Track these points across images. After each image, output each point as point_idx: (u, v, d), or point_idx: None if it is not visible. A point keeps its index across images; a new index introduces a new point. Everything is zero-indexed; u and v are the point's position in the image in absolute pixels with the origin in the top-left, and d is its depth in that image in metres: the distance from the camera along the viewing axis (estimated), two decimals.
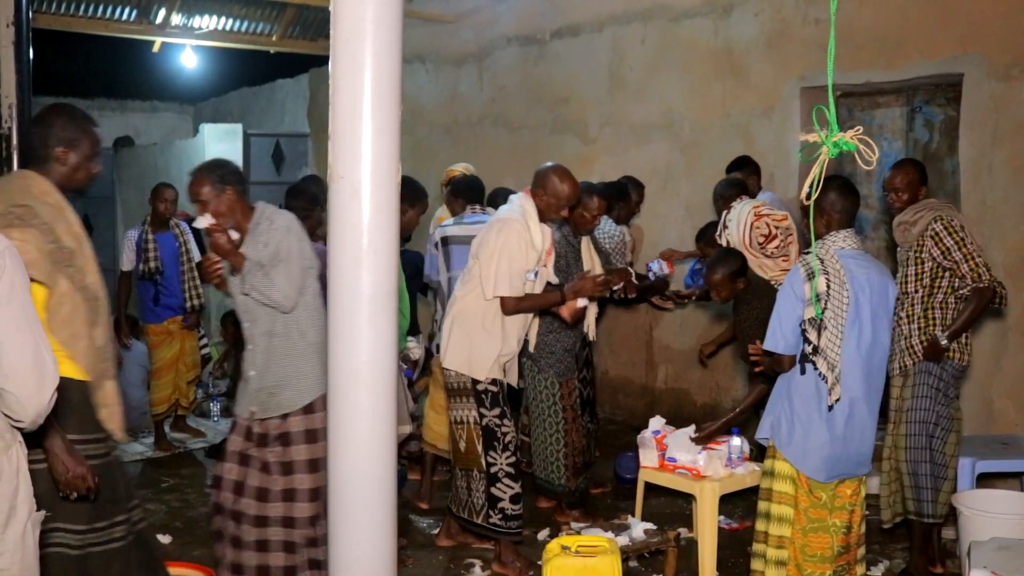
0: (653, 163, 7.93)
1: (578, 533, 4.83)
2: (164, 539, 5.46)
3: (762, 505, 4.01)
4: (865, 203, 7.02)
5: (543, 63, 9.02)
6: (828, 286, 3.71)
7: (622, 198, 6.38)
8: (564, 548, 4.24)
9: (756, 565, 4.04)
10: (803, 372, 3.79)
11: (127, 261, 7.38)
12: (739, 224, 5.78)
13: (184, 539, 5.50)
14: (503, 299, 4.75)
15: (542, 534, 5.37)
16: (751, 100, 7.32)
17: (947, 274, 4.74)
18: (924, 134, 6.73)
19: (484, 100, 9.69)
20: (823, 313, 3.68)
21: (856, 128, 2.86)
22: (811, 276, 3.73)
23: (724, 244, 5.96)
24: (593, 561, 4.15)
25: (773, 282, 5.32)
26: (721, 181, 6.51)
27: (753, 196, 6.31)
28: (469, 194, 6.12)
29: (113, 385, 3.56)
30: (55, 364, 2.42)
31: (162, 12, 10.19)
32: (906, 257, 4.85)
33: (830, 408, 3.77)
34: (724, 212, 6.08)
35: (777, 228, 5.75)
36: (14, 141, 5.17)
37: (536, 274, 4.86)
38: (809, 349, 3.72)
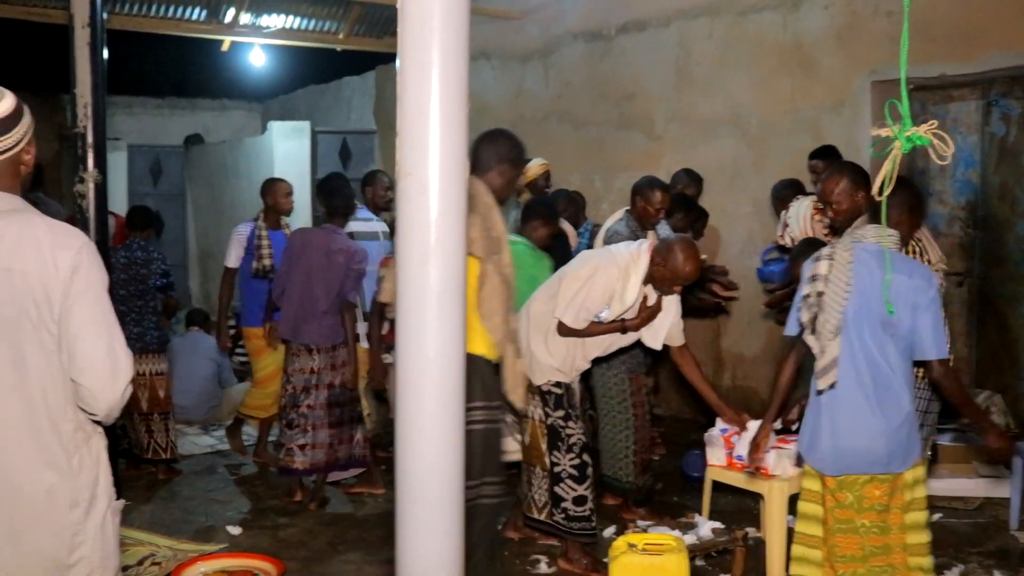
0: (720, 159, 7.87)
1: (645, 531, 4.82)
2: (234, 530, 5.56)
3: (798, 503, 3.94)
4: (939, 199, 6.90)
5: (609, 59, 8.99)
6: (830, 270, 3.66)
7: (684, 208, 6.30)
8: (631, 546, 4.23)
9: (794, 569, 3.91)
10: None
11: (234, 257, 6.79)
12: (799, 219, 5.74)
13: (253, 530, 5.60)
14: (560, 322, 4.77)
15: (608, 531, 5.36)
16: (820, 95, 7.24)
17: None
18: (1000, 128, 6.59)
19: (549, 96, 9.69)
20: (821, 296, 3.64)
21: (931, 122, 2.82)
22: (816, 259, 3.74)
23: (788, 243, 5.90)
24: (660, 559, 4.14)
25: None
26: (778, 183, 6.47)
27: None
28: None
29: (516, 363, 4.10)
30: (129, 360, 2.46)
31: (231, 12, 10.32)
32: None
33: (819, 392, 3.67)
34: (783, 212, 6.03)
35: None
36: (89, 140, 5.27)
37: (607, 316, 4.81)
38: (800, 327, 3.72)
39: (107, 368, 2.40)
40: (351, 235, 6.25)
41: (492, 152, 4.18)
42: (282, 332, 5.95)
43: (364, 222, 6.56)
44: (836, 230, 4.39)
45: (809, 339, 3.68)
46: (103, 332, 2.42)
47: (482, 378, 3.98)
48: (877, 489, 3.69)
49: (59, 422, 2.42)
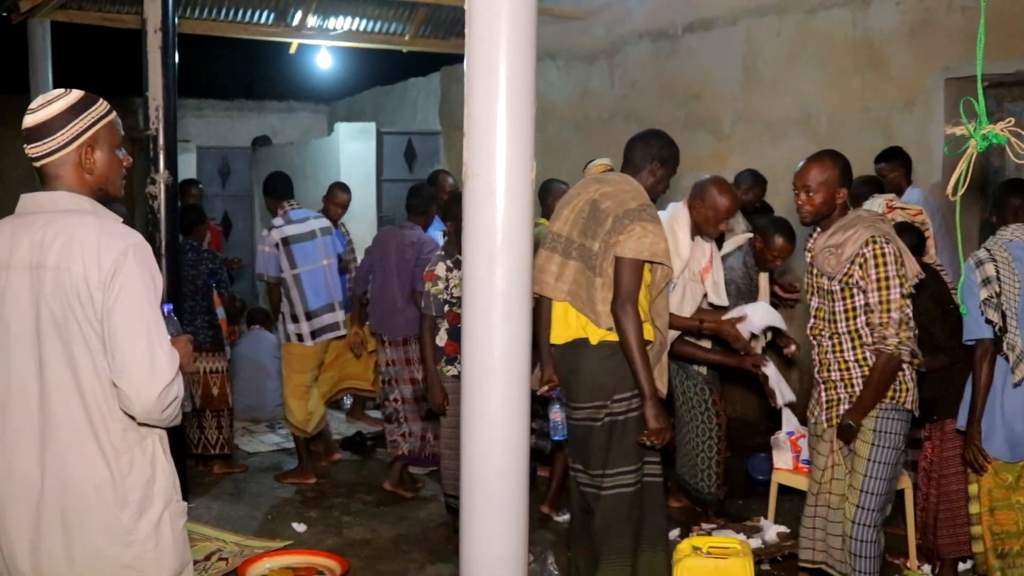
0: (788, 159, 7.75)
1: (709, 534, 4.78)
2: (299, 527, 5.62)
3: (971, 488, 4.30)
4: None
5: (675, 58, 8.93)
6: (997, 271, 3.95)
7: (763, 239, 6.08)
8: (695, 549, 4.20)
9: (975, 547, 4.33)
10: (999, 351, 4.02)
11: None
12: None
13: (318, 527, 5.65)
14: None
15: (673, 534, 5.31)
16: (891, 93, 7.12)
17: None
18: None
19: (615, 96, 9.65)
20: (998, 297, 3.94)
21: (1008, 119, 2.76)
22: (979, 263, 4.01)
23: None
24: (725, 563, 4.10)
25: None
26: (855, 180, 6.32)
27: (900, 189, 6.12)
28: (285, 190, 6.71)
29: (665, 358, 4.28)
30: (170, 363, 2.42)
31: (298, 15, 10.43)
32: (833, 288, 3.96)
33: (1016, 385, 3.96)
34: None
35: (912, 222, 5.58)
36: (160, 142, 5.37)
37: (673, 286, 4.73)
38: (997, 329, 3.96)
39: (143, 370, 2.38)
40: (286, 240, 6.48)
41: (644, 151, 4.20)
42: (372, 325, 6.34)
43: (299, 223, 6.59)
44: (802, 222, 4.12)
45: (1007, 337, 3.95)
46: (142, 334, 2.39)
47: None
48: (1011, 475, 4.10)
49: (108, 421, 2.44)
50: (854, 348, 3.92)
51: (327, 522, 5.77)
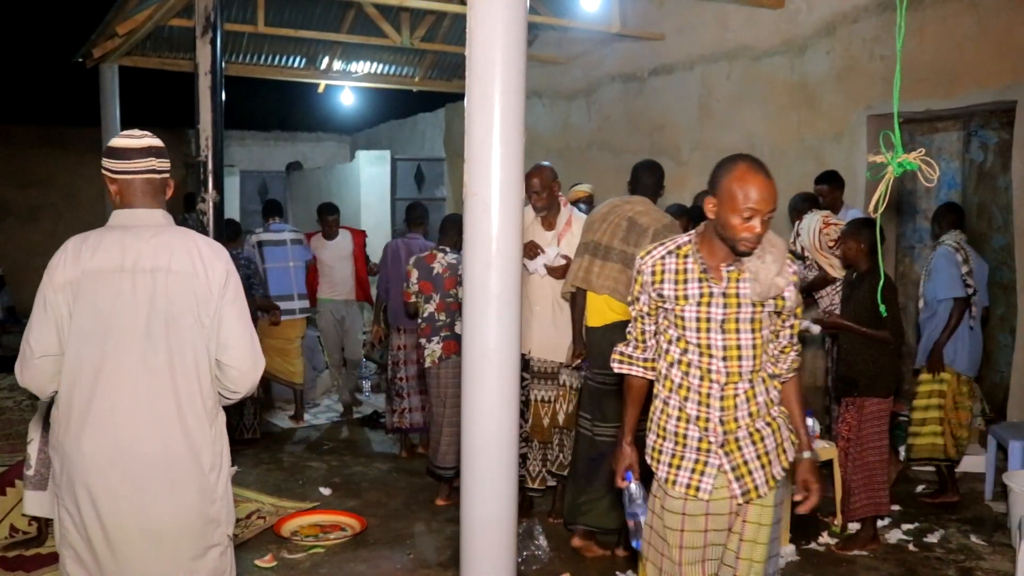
0: None
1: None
2: (325, 491, 5.60)
3: (933, 401, 5.26)
4: (925, 216, 6.77)
5: (642, 97, 8.94)
6: (967, 257, 5.21)
7: (703, 218, 6.16)
8: None
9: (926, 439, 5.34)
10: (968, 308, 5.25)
11: None
12: (810, 231, 5.64)
13: (341, 492, 5.64)
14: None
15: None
16: (823, 127, 7.13)
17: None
18: (979, 155, 6.45)
19: (591, 129, 9.66)
20: (969, 275, 5.20)
21: (919, 150, 2.76)
22: (956, 250, 5.22)
23: (799, 250, 5.81)
24: None
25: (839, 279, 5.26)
26: (795, 196, 6.32)
27: (835, 208, 6.08)
28: (272, 210, 7.62)
29: None
30: (261, 352, 2.58)
31: (326, 60, 10.45)
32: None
33: (971, 328, 5.26)
34: (796, 222, 5.93)
35: None
36: (209, 166, 5.36)
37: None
38: (971, 292, 5.22)
39: (251, 358, 2.52)
40: (260, 244, 7.20)
41: (655, 179, 4.71)
42: (390, 318, 6.46)
43: (275, 233, 7.32)
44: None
45: (974, 298, 5.23)
46: (247, 330, 2.53)
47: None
48: (965, 386, 5.31)
49: (207, 398, 2.50)
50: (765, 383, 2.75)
51: (348, 487, 5.75)
